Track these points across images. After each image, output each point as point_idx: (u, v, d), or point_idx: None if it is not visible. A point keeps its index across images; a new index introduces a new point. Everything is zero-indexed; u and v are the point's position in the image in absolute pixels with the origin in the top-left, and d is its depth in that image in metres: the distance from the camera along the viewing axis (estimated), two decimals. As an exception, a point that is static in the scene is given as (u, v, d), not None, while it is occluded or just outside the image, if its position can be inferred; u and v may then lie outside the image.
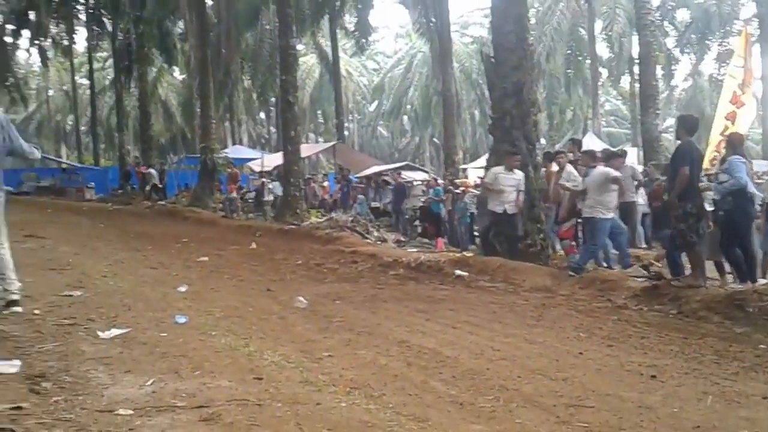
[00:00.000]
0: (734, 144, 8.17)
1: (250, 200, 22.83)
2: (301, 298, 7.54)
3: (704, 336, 5.99)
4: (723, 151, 11.97)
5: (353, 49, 41.16)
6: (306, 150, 26.02)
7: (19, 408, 3.44)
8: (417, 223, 17.53)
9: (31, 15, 36.00)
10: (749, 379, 4.83)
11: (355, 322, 6.57)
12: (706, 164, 11.34)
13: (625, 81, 38.50)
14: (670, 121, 39.79)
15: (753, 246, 8.05)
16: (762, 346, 5.70)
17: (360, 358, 5.25)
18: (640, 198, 12.58)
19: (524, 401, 4.28)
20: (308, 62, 47.31)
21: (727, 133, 13.19)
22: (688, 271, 7.76)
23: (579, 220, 10.08)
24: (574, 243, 10.49)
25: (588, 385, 4.65)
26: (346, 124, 42.76)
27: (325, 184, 25.60)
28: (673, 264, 8.10)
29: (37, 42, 40.41)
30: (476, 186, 16.69)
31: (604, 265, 9.59)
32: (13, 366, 4.14)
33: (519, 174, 10.34)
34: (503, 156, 10.71)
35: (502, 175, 10.32)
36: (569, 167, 10.47)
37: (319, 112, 56.64)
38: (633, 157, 18.98)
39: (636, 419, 3.98)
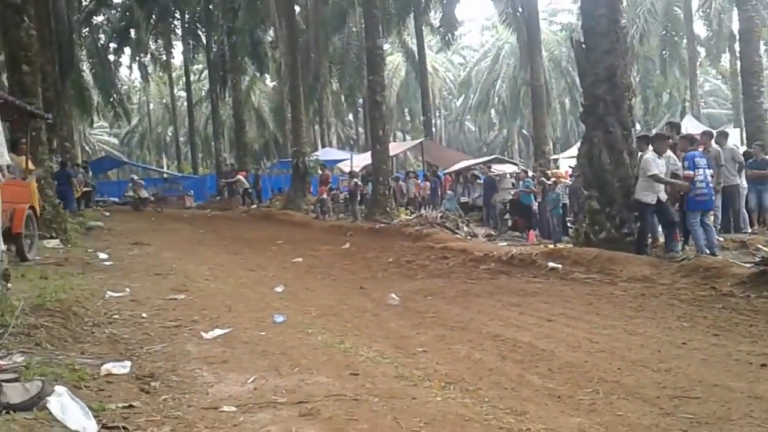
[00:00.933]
0: None
1: (341, 201, 23.15)
2: (393, 295, 7.60)
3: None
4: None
5: (439, 45, 41.07)
6: (394, 148, 26.18)
7: (131, 407, 3.63)
8: (507, 216, 17.29)
9: (132, 33, 37.88)
10: None
11: (448, 318, 6.57)
12: None
13: (726, 59, 36.63)
14: (776, 99, 37.60)
15: None
16: None
17: (454, 352, 5.24)
18: (743, 180, 11.99)
19: (625, 393, 4.16)
20: (394, 61, 47.61)
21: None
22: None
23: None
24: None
25: (693, 375, 4.47)
26: (433, 121, 42.66)
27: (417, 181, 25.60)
28: None
29: (137, 58, 42.55)
30: (569, 176, 16.33)
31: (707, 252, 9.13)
32: (124, 367, 4.36)
33: (671, 156, 9.96)
34: (641, 141, 10.38)
35: (660, 161, 9.56)
36: (668, 152, 10.05)
37: (406, 109, 56.85)
38: (735, 138, 18.06)
39: (745, 410, 3.79)
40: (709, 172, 9.73)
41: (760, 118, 17.16)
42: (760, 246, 9.10)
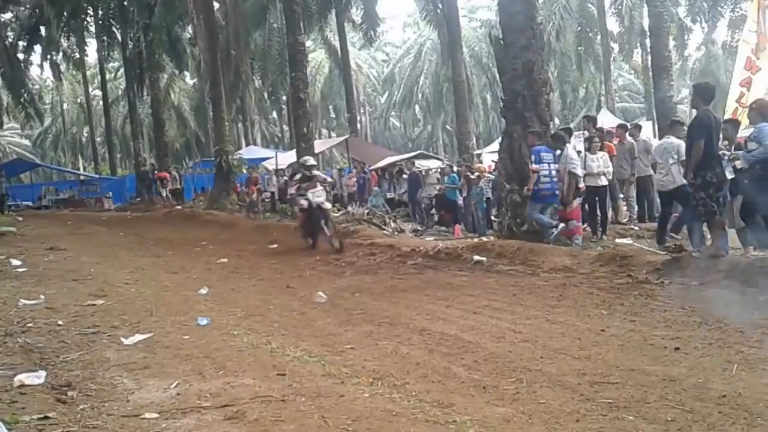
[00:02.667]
0: (762, 111, 7.98)
1: (266, 200, 22.89)
2: (320, 293, 7.57)
3: (727, 305, 5.92)
4: (738, 118, 11.80)
5: (362, 42, 41.09)
6: (319, 146, 26.05)
7: (46, 418, 3.50)
8: (433, 211, 17.47)
9: (42, 30, 36.33)
10: (775, 346, 4.77)
11: (376, 314, 6.59)
12: None
13: (638, 54, 38.00)
14: (686, 92, 39.31)
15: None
16: (787, 312, 5.62)
17: (381, 348, 5.26)
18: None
19: (548, 381, 4.27)
20: (317, 58, 47.40)
21: (743, 100, 13.00)
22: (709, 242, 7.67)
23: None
24: (579, 223, 10.43)
25: (611, 361, 4.62)
26: (358, 117, 42.71)
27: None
28: (694, 235, 8.01)
29: (48, 56, 40.82)
30: (492, 170, 16.62)
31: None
32: (38, 377, 4.20)
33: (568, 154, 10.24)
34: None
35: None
36: (567, 148, 10.34)
37: (330, 107, 56.74)
38: (648, 131, 18.76)
39: (661, 392, 3.95)
40: (554, 167, 10.08)
41: (670, 111, 17.83)
42: (673, 234, 9.48)
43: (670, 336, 5.16)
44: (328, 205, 12.63)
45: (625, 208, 12.73)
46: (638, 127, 13.32)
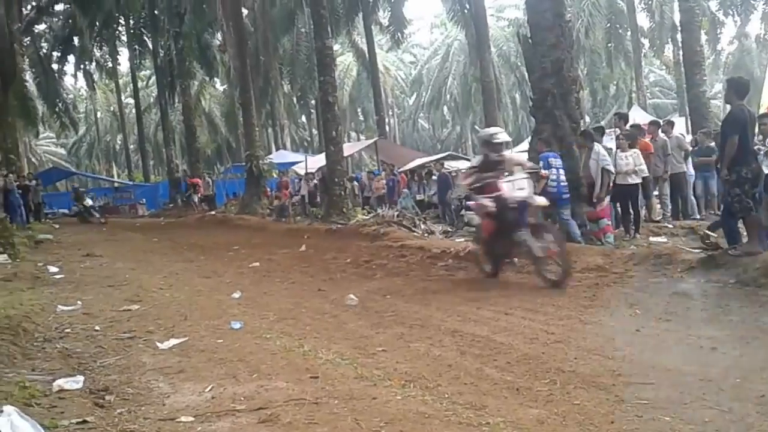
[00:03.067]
0: None
1: (296, 203, 23.05)
2: (352, 296, 7.58)
3: (764, 304, 5.81)
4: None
5: (389, 44, 41.18)
6: (348, 149, 26.12)
7: (84, 422, 3.56)
8: (463, 212, 17.40)
9: (75, 40, 37.04)
10: (814, 345, 4.68)
11: (407, 316, 6.58)
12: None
13: (669, 50, 37.47)
14: (719, 87, 38.68)
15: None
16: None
17: (413, 350, 5.26)
18: (690, 168, 12.30)
19: (581, 382, 4.22)
20: (345, 61, 47.59)
21: (779, 94, 12.77)
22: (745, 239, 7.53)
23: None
24: (610, 222, 10.32)
25: (647, 361, 4.57)
26: (386, 120, 42.75)
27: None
28: (730, 232, 7.87)
29: (82, 66, 41.61)
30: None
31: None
32: (76, 382, 4.27)
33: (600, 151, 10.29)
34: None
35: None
36: (597, 146, 10.27)
37: (359, 109, 56.91)
38: (681, 127, 18.48)
39: (698, 393, 3.89)
40: (562, 171, 10.17)
41: (704, 107, 17.61)
42: (708, 232, 9.32)
43: (707, 336, 5.08)
44: (539, 201, 8.27)
45: (658, 206, 12.56)
46: (671, 124, 13.13)
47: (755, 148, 7.70)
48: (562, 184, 10.14)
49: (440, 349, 5.23)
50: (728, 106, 7.70)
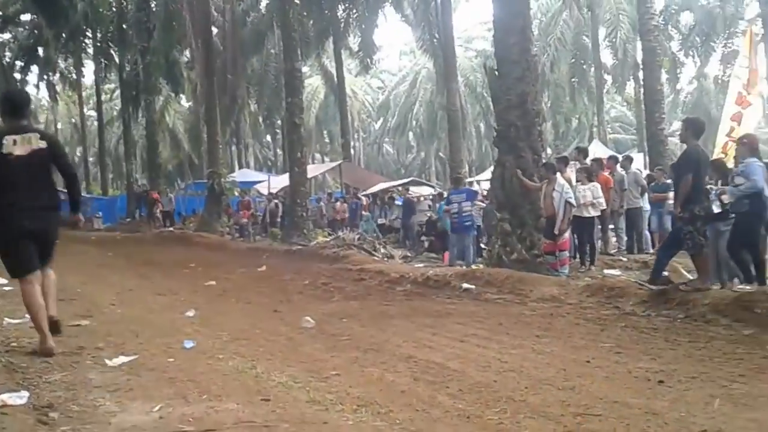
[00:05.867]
0: (751, 146, 8.08)
1: (257, 223, 22.94)
2: (308, 318, 7.54)
3: (712, 339, 5.95)
4: (728, 152, 11.94)
5: (358, 69, 41.40)
6: (312, 170, 26.17)
7: (25, 439, 3.47)
8: (424, 238, 17.51)
9: (40, 51, 36.51)
10: (757, 381, 4.78)
11: (363, 340, 6.57)
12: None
13: (630, 87, 38.42)
14: (677, 125, 39.61)
15: (763, 249, 7.94)
16: (771, 347, 5.65)
17: (367, 375, 5.24)
18: (646, 203, 12.57)
19: (532, 412, 4.25)
20: (313, 84, 47.68)
21: (733, 134, 13.17)
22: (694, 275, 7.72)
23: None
24: (569, 254, 10.52)
25: (595, 393, 4.62)
26: (351, 143, 42.83)
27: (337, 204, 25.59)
28: (658, 262, 8.03)
29: (45, 77, 40.98)
30: (483, 198, 16.69)
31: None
32: (20, 397, 4.16)
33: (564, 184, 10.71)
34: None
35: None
36: (560, 178, 10.43)
37: (324, 132, 56.98)
38: (639, 163, 18.94)
39: (643, 425, 3.95)
40: (465, 205, 12.71)
41: (662, 144, 18.05)
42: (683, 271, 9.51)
43: (654, 369, 5.17)
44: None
45: (614, 239, 12.81)
46: (629, 159, 13.47)
47: (707, 187, 7.92)
48: (464, 214, 12.64)
49: (394, 375, 5.22)
50: (684, 145, 7.92)
